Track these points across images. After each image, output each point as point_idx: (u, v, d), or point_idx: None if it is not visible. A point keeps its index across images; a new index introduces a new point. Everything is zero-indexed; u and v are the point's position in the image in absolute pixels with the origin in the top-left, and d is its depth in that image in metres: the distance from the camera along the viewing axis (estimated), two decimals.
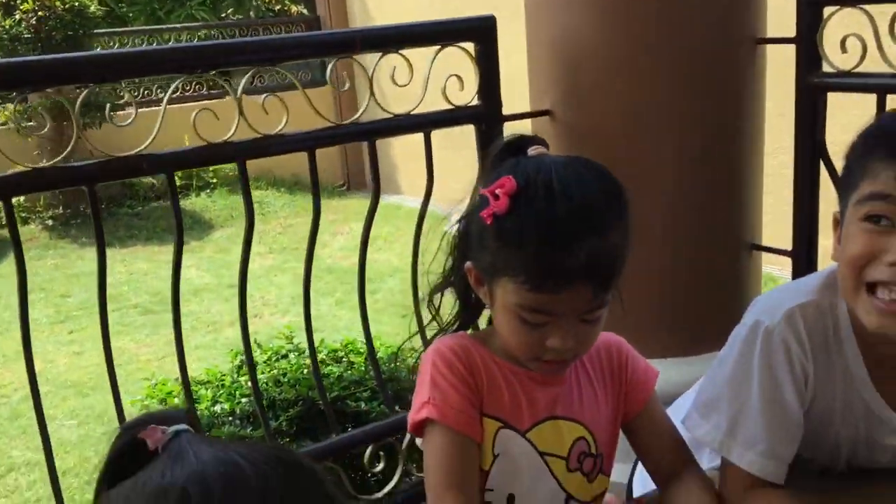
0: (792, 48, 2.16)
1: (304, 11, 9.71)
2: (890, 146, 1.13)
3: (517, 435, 1.25)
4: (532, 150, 1.21)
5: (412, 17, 3.91)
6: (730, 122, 2.24)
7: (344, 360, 2.77)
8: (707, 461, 1.39)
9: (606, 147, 2.19)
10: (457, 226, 1.29)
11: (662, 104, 2.19)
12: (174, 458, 0.72)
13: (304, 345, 2.92)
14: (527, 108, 2.37)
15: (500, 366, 1.26)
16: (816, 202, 2.18)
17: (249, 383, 2.72)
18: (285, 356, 2.81)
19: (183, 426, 0.75)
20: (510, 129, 2.19)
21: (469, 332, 1.35)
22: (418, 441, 1.27)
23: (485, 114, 2.16)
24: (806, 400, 1.24)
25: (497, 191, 1.15)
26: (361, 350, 2.82)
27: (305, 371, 2.63)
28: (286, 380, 2.63)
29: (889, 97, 1.99)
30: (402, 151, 7.39)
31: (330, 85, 2.15)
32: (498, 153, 1.24)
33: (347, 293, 5.56)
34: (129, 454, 0.75)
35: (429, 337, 1.36)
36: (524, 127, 2.38)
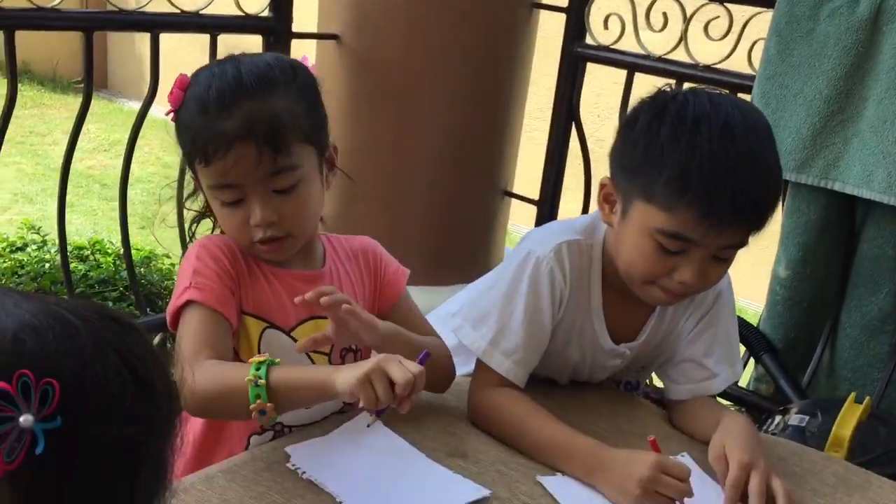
0: (560, 20, 2.38)
1: None
2: (702, 200, 1.23)
3: (282, 334, 1.32)
4: None
5: None
6: (501, 76, 2.42)
7: (90, 258, 2.64)
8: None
9: (387, 77, 2.29)
10: None
11: (443, 44, 2.33)
12: None
13: (41, 239, 2.75)
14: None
15: (262, 267, 1.32)
16: (565, 159, 2.43)
17: None
18: (23, 248, 2.62)
19: None
20: (296, 48, 2.21)
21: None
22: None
23: (275, 27, 2.17)
24: (555, 321, 1.44)
25: (174, 88, 1.26)
26: (109, 251, 2.70)
27: (47, 266, 2.48)
28: (25, 272, 2.46)
29: (637, 74, 2.27)
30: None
31: None
32: None
33: (79, 196, 5.21)
34: None
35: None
36: (310, 47, 2.40)
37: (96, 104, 7.37)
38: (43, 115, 6.85)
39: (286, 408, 1.17)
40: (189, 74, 1.27)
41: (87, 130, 6.42)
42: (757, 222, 1.29)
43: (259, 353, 1.28)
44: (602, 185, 1.38)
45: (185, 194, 1.42)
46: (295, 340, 1.32)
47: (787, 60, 1.94)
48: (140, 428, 0.67)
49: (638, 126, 1.30)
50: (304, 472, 1.19)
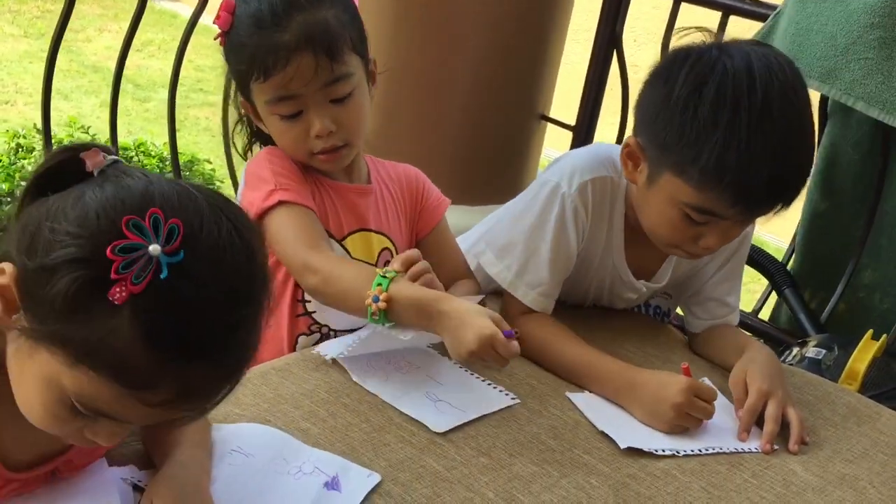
0: None
1: None
2: (738, 187, 1.23)
3: (334, 242, 1.39)
4: None
5: None
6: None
7: (134, 160, 2.70)
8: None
9: (428, 3, 2.29)
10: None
11: None
12: (118, 177, 0.77)
13: (90, 137, 2.81)
14: None
15: (316, 178, 1.39)
16: (604, 86, 2.45)
17: (29, 166, 2.61)
18: None
19: (116, 157, 0.80)
20: None
21: None
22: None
23: None
24: (579, 254, 1.49)
25: (220, 11, 1.28)
26: (153, 153, 2.76)
27: None
28: None
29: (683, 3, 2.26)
30: None
31: None
32: None
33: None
34: (60, 172, 0.79)
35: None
36: None
37: (129, 2, 7.34)
38: (77, 10, 6.79)
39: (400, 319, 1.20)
40: None
41: (120, 28, 6.42)
42: (789, 202, 1.30)
43: None
44: (626, 145, 1.36)
45: (230, 111, 1.46)
46: (345, 248, 1.39)
47: None
48: (243, 281, 0.77)
49: (674, 99, 1.26)
50: (350, 372, 1.27)
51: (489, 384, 1.33)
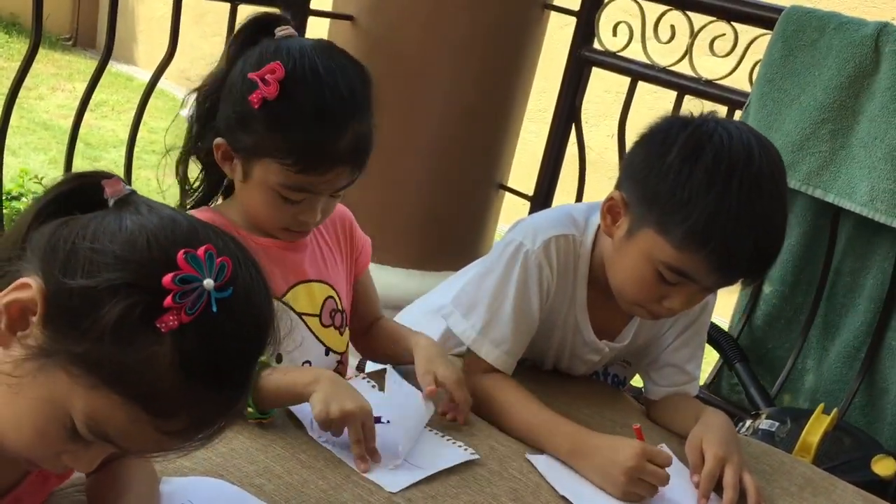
0: (562, 25, 2.44)
1: None
2: (719, 256, 1.26)
3: (275, 301, 1.35)
4: (280, 31, 1.28)
5: None
6: (508, 71, 2.48)
7: None
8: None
9: (398, 63, 2.33)
10: (194, 104, 1.33)
11: (455, 35, 2.38)
12: (139, 205, 0.78)
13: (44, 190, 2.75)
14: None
15: (245, 238, 1.28)
16: (562, 158, 2.50)
17: None
18: (18, 197, 2.63)
19: (133, 189, 0.80)
20: (312, 27, 2.25)
21: (212, 205, 1.41)
22: None
23: (294, 1, 2.20)
24: (543, 312, 1.49)
25: (267, 76, 1.21)
26: None
27: None
28: None
29: (640, 83, 2.34)
30: (145, 20, 6.92)
31: None
32: (247, 30, 1.29)
33: (62, 153, 5.17)
34: (74, 198, 0.79)
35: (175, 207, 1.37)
36: (323, 28, 2.44)
37: (84, 64, 7.33)
38: (31, 69, 6.78)
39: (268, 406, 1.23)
40: (280, 63, 1.20)
41: (73, 88, 6.38)
42: (760, 275, 1.35)
43: None
44: (610, 199, 1.37)
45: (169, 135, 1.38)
46: (287, 305, 1.36)
47: (788, 66, 2.01)
48: (265, 320, 0.81)
49: (670, 159, 1.28)
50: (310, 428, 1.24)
51: (447, 439, 1.31)
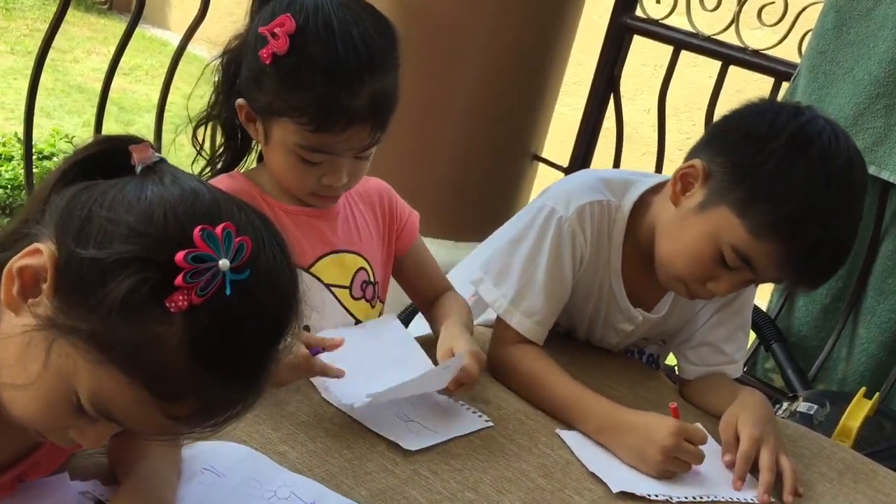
0: None
1: None
2: (797, 258, 1.24)
3: (301, 272, 1.31)
4: None
5: None
6: (546, 41, 2.41)
7: None
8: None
9: (435, 31, 2.28)
10: (219, 59, 1.28)
11: (493, 2, 2.31)
12: (164, 175, 0.74)
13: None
14: None
15: (272, 205, 1.29)
16: (599, 128, 2.44)
17: (7, 174, 2.55)
18: (50, 157, 2.63)
19: (162, 156, 0.76)
20: None
21: (241, 170, 1.37)
22: None
23: None
24: (575, 279, 1.45)
25: (276, 30, 1.15)
26: None
27: None
28: None
29: (682, 52, 2.27)
30: None
31: None
32: None
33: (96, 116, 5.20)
34: (100, 162, 0.76)
35: (196, 172, 1.30)
36: None
37: (119, 27, 7.33)
38: (66, 32, 6.78)
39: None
40: (290, 16, 1.15)
41: (108, 52, 6.39)
42: (818, 285, 1.37)
43: None
44: (690, 166, 1.32)
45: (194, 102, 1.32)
46: (315, 277, 1.32)
47: (841, 37, 1.94)
48: (288, 308, 0.75)
49: (775, 145, 1.24)
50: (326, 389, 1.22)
51: (463, 405, 1.28)
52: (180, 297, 0.67)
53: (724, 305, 1.52)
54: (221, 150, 1.35)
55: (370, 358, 1.26)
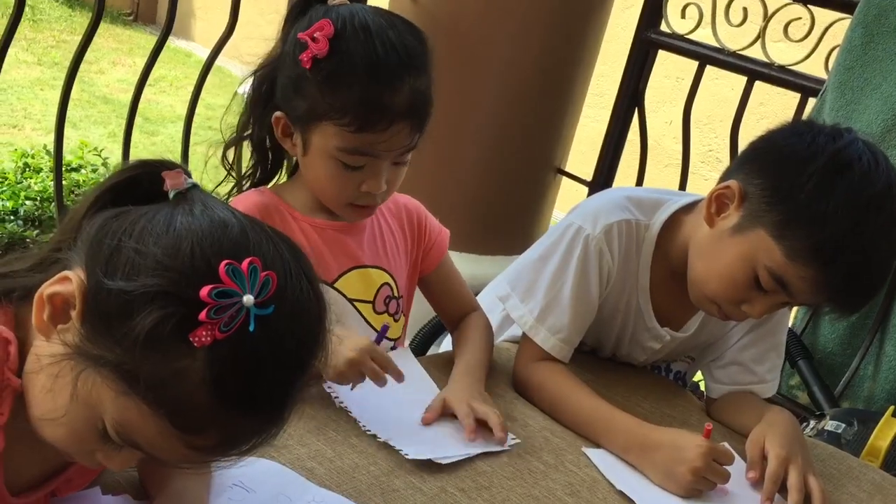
0: (628, 5, 2.37)
1: None
2: (833, 285, 1.23)
3: (325, 287, 1.32)
4: (333, 1, 1.23)
5: None
6: (570, 54, 2.42)
7: None
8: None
9: (459, 43, 2.29)
10: (252, 78, 1.29)
11: (519, 16, 2.32)
12: (204, 206, 0.74)
13: (102, 161, 2.78)
14: None
15: (299, 221, 1.30)
16: (623, 143, 2.43)
17: (35, 186, 2.58)
18: (77, 169, 2.66)
19: (195, 182, 0.77)
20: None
21: (269, 186, 1.38)
22: None
23: None
24: (602, 297, 1.44)
25: (316, 34, 1.17)
26: None
27: None
28: (81, 192, 2.50)
29: (707, 67, 2.26)
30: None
31: None
32: (300, 5, 1.25)
33: (120, 127, 5.22)
34: (134, 186, 0.77)
35: (224, 192, 1.36)
36: (382, 6, 2.40)
37: (143, 39, 7.42)
38: (92, 43, 6.89)
39: None
40: (329, 21, 1.18)
41: (133, 63, 6.46)
42: (854, 311, 1.36)
43: None
44: (726, 187, 1.30)
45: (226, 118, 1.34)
46: (339, 292, 1.33)
47: (869, 53, 1.92)
48: (313, 342, 0.75)
49: (814, 167, 1.22)
50: (337, 398, 1.22)
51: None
52: (204, 333, 0.68)
53: (756, 325, 1.51)
54: (251, 170, 1.37)
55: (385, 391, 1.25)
